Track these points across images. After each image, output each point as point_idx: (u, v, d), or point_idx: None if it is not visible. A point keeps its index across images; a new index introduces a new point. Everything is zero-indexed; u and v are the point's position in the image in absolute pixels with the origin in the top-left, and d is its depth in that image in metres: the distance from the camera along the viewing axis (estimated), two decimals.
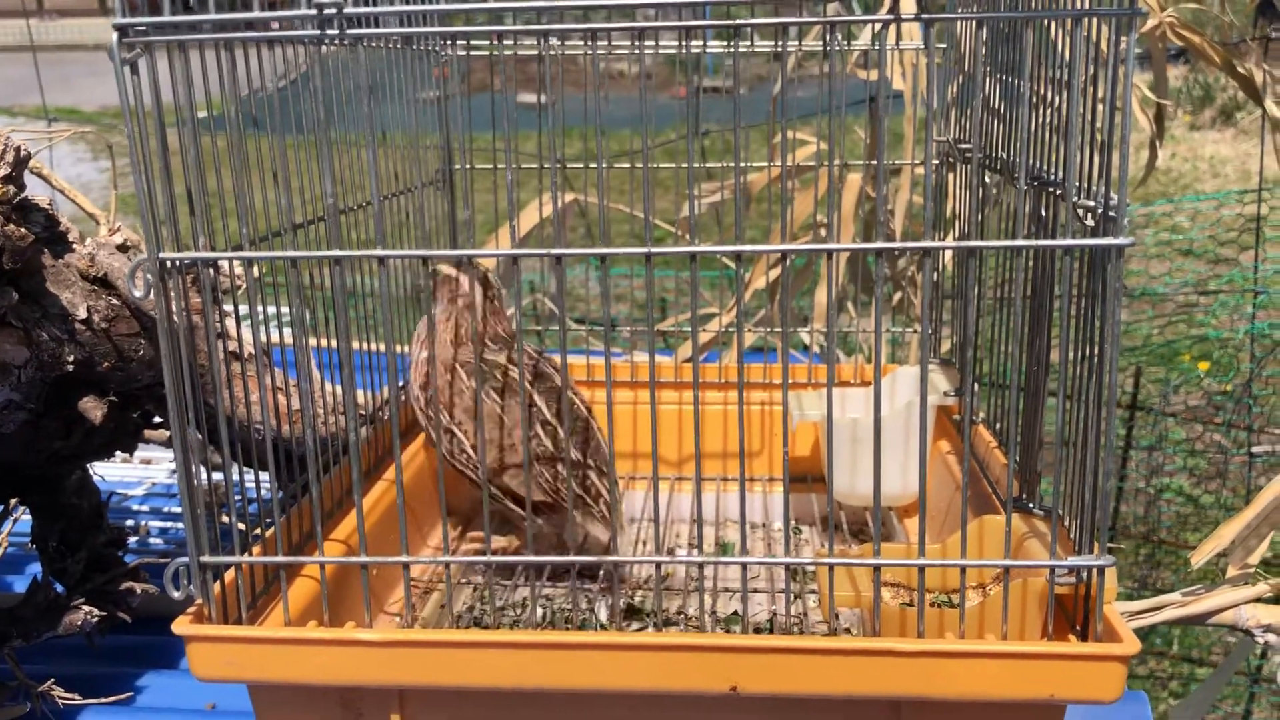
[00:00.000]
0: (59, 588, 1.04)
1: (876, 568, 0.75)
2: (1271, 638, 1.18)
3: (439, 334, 1.08)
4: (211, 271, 0.77)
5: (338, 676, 0.75)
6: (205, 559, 0.75)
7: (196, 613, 0.76)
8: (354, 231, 1.02)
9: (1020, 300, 0.74)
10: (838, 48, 1.08)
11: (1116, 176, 0.67)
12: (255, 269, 0.83)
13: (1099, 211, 0.70)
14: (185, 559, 0.75)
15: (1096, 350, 0.71)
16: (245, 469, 0.89)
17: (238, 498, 0.79)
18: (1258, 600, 1.19)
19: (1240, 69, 1.69)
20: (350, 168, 1.01)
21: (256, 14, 0.68)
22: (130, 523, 1.45)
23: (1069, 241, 0.68)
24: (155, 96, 0.70)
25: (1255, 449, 2.45)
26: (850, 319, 2.03)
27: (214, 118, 0.78)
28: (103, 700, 1.00)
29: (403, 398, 1.20)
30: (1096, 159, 0.72)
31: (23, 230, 0.91)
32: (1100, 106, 0.70)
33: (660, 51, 1.27)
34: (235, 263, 0.81)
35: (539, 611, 1.03)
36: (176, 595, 0.75)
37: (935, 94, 0.86)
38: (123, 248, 1.03)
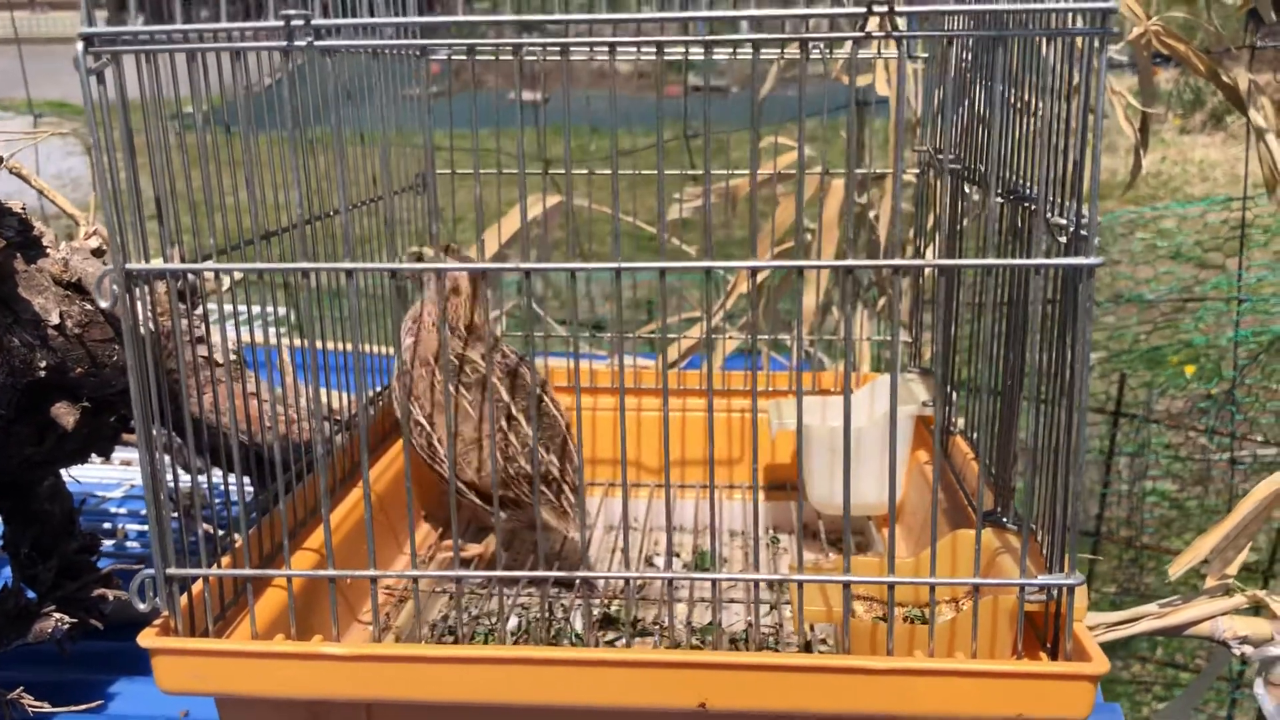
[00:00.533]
0: (30, 594, 1.04)
1: (846, 585, 0.75)
2: (1248, 649, 1.18)
3: (423, 325, 1.08)
4: (180, 281, 0.77)
5: (305, 690, 0.74)
6: (171, 571, 0.74)
7: (163, 625, 0.76)
8: (332, 229, 1.01)
9: (992, 316, 0.73)
10: (816, 55, 1.07)
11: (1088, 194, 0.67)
12: (226, 277, 0.82)
13: (1070, 230, 0.69)
14: (152, 571, 0.75)
15: (1067, 370, 0.71)
16: (219, 475, 0.88)
17: (206, 511, 0.79)
18: (1235, 612, 1.19)
19: (1225, 77, 1.69)
20: (328, 168, 1.00)
21: (224, 25, 0.67)
22: (108, 525, 1.44)
23: (1040, 261, 0.68)
24: (123, 106, 0.69)
25: (1238, 454, 2.45)
26: (836, 321, 2.03)
27: (183, 125, 0.78)
28: (74, 708, 0.99)
29: (380, 402, 1.20)
30: (1070, 176, 0.72)
31: None
32: (1074, 123, 0.70)
33: (642, 58, 1.26)
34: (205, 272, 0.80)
35: (514, 620, 1.03)
36: (143, 607, 0.74)
37: (907, 107, 0.86)
38: (97, 252, 1.02)
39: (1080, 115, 0.67)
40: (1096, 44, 0.65)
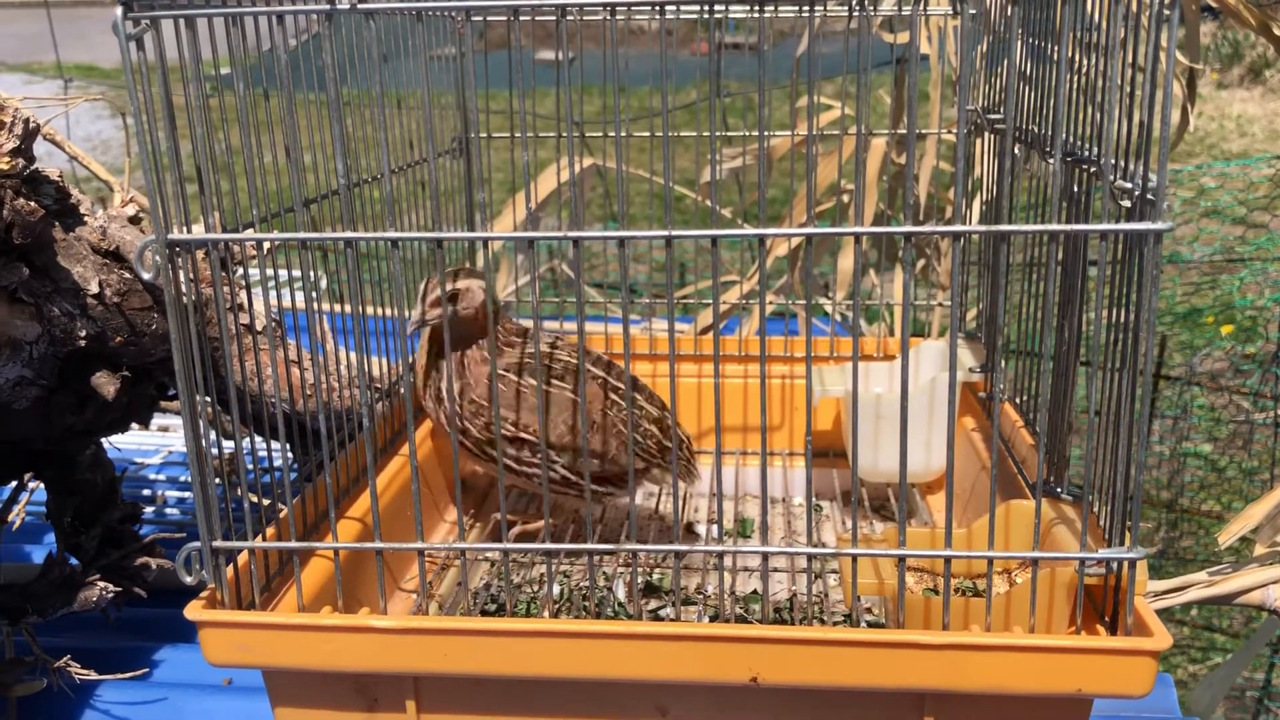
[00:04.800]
0: (74, 562, 1.04)
1: (901, 559, 0.73)
2: None
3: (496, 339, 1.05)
4: (222, 246, 0.76)
5: (351, 663, 0.74)
6: (217, 544, 0.74)
7: (209, 597, 0.75)
8: (368, 190, 1.00)
9: (1050, 283, 0.71)
10: (858, 12, 1.04)
11: (1155, 157, 0.64)
12: (266, 245, 0.81)
13: (1136, 194, 0.67)
14: (198, 544, 0.74)
15: (1130, 335, 0.69)
16: (260, 441, 0.88)
17: (251, 476, 0.78)
18: None
19: (1275, 30, 1.64)
20: (366, 126, 0.98)
21: None
22: (147, 492, 1.44)
23: (1104, 226, 0.65)
24: (163, 72, 0.68)
25: None
26: (873, 285, 2.00)
27: (223, 90, 0.76)
28: (119, 675, 0.99)
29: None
30: (1133, 138, 0.69)
31: (33, 204, 0.89)
32: (1140, 76, 0.67)
33: (682, 16, 1.23)
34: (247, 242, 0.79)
35: (556, 589, 1.02)
36: (189, 580, 0.74)
37: (967, 66, 0.83)
38: (135, 220, 1.02)
39: (1148, 75, 0.64)
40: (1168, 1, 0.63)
